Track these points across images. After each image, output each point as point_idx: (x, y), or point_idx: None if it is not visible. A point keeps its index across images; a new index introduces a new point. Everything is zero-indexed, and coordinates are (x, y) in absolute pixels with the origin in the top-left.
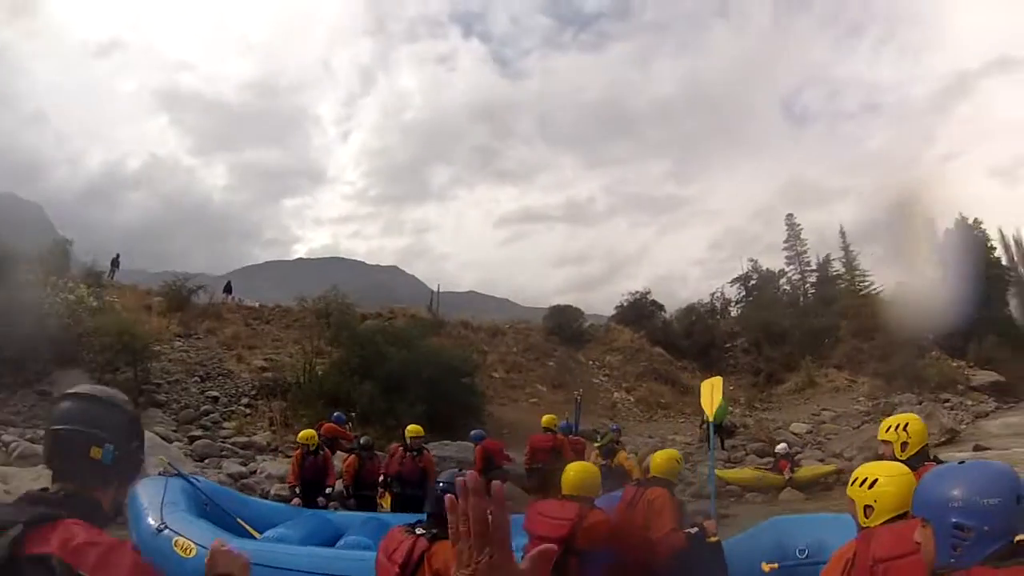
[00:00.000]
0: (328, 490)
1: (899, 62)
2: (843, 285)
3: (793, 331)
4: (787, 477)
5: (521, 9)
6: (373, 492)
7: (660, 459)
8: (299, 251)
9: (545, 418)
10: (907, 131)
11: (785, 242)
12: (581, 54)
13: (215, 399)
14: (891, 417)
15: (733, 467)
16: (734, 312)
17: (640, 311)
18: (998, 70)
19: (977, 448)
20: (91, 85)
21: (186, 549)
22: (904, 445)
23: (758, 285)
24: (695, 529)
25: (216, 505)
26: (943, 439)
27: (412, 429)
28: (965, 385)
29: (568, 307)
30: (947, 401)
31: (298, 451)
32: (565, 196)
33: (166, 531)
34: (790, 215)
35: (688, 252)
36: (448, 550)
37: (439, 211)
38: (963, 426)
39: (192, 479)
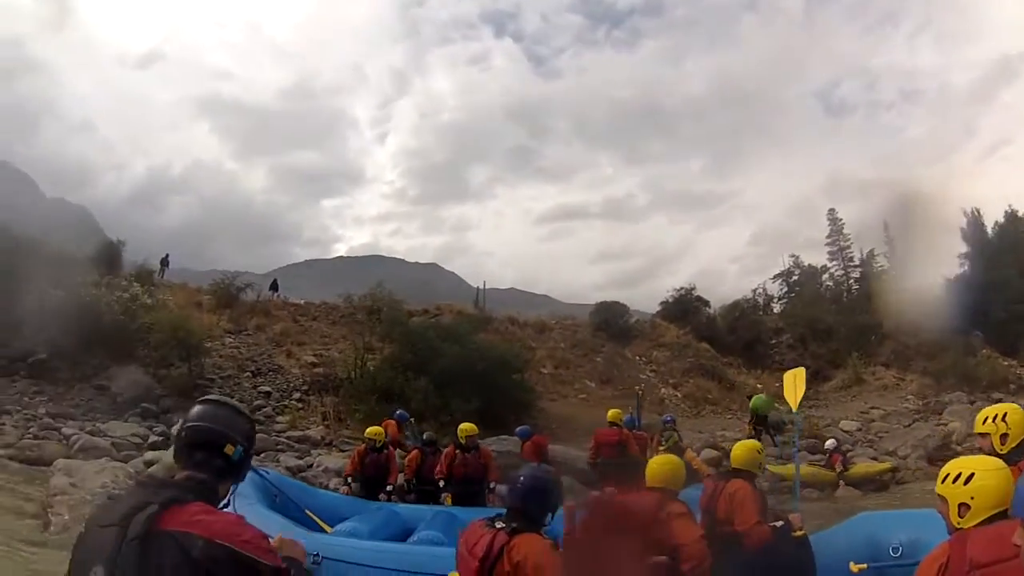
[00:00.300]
0: (389, 487)
1: (937, 49)
2: (888, 280)
3: (839, 327)
4: (838, 471)
5: (552, 7)
6: (434, 487)
7: (740, 451)
8: (339, 249)
9: (611, 413)
10: (949, 118)
11: (827, 237)
12: (614, 52)
13: (267, 394)
14: (988, 408)
15: (786, 463)
16: (777, 308)
17: (685, 307)
18: None
19: None
20: (134, 95)
21: None
22: (1004, 437)
23: (800, 281)
24: (780, 523)
25: (286, 497)
26: None
27: (466, 428)
28: (1017, 384)
29: (614, 303)
30: (1000, 400)
31: (362, 446)
32: (604, 193)
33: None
34: (832, 210)
35: (727, 248)
36: (528, 543)
37: (478, 210)
38: None
39: (261, 471)
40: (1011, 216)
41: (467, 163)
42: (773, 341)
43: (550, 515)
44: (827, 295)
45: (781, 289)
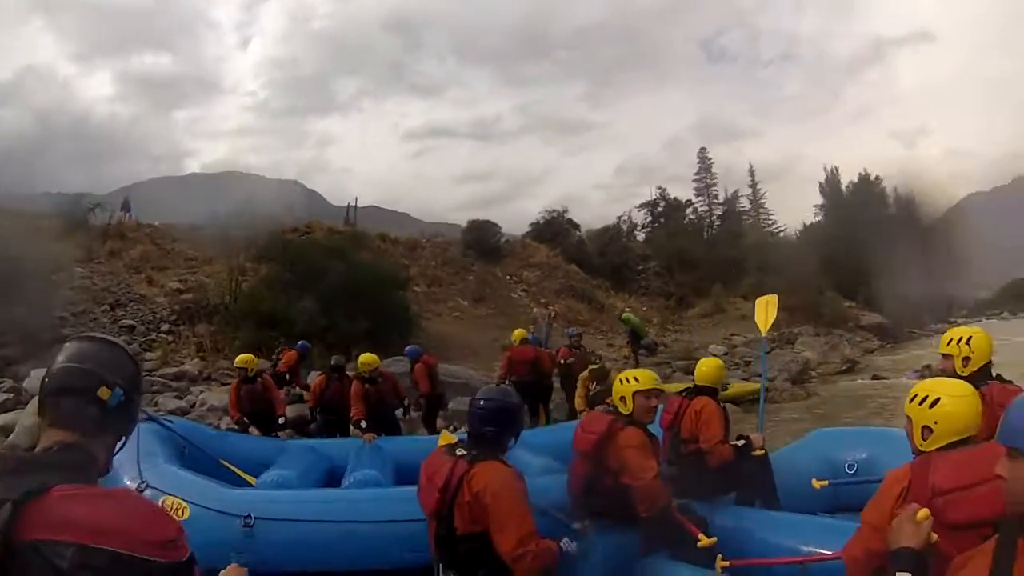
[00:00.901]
0: (281, 419)
1: (821, 19)
2: (749, 221)
3: (704, 259)
4: None
5: None
6: (338, 416)
7: (706, 368)
8: (192, 166)
9: (517, 332)
10: (821, 83)
11: (696, 174)
12: None
13: (131, 328)
14: (954, 329)
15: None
16: (640, 236)
17: (555, 229)
18: (916, 41)
19: (875, 377)
20: None
21: (177, 509)
22: (966, 360)
23: (665, 212)
24: (742, 441)
25: (196, 448)
26: (844, 367)
27: (367, 360)
28: (855, 323)
29: (486, 222)
30: (840, 336)
31: (236, 379)
32: (474, 113)
33: (148, 490)
34: (703, 149)
35: (592, 176)
36: (487, 471)
37: (344, 124)
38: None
39: (164, 421)
40: (864, 178)
41: (336, 75)
42: (640, 267)
43: (512, 440)
44: (689, 228)
45: (646, 218)
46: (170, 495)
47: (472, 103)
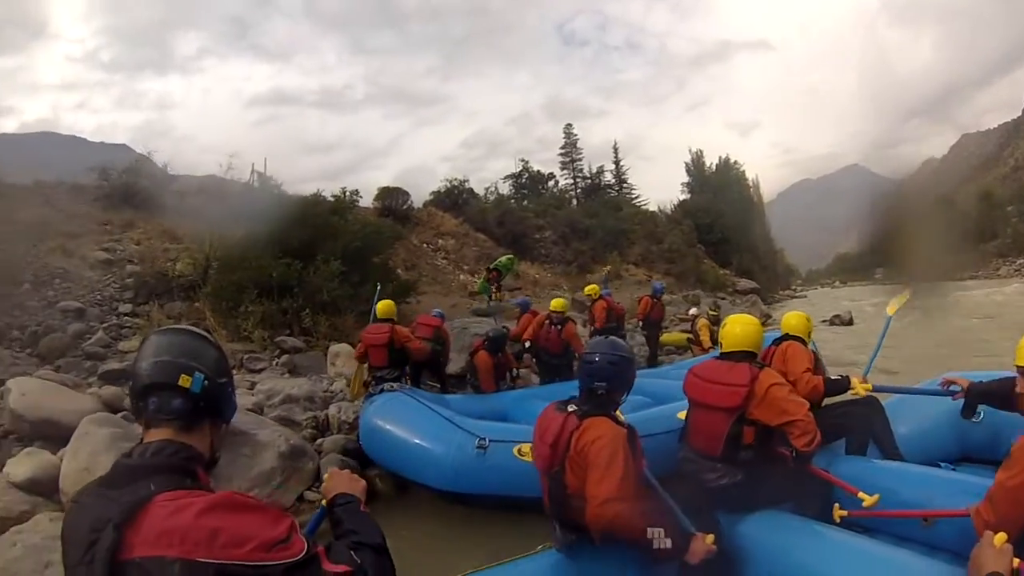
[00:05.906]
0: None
1: (669, 15)
2: (613, 195)
3: (595, 229)
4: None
5: None
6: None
7: (793, 319)
8: (7, 125)
9: (591, 287)
10: (663, 73)
11: (561, 148)
12: None
13: (80, 312)
14: None
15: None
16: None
17: (455, 198)
18: (755, 48)
19: None
20: None
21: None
22: None
23: (527, 185)
24: (838, 377)
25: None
26: (765, 321)
27: (557, 304)
28: (733, 288)
29: (397, 188)
30: (724, 298)
31: (385, 328)
32: (322, 81)
33: (492, 444)
34: (569, 125)
35: (439, 147)
36: (594, 427)
37: (184, 84)
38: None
39: (409, 391)
40: (725, 161)
41: (177, 27)
42: (537, 236)
43: (625, 394)
44: (554, 201)
45: (510, 190)
46: (515, 441)
47: (320, 70)
